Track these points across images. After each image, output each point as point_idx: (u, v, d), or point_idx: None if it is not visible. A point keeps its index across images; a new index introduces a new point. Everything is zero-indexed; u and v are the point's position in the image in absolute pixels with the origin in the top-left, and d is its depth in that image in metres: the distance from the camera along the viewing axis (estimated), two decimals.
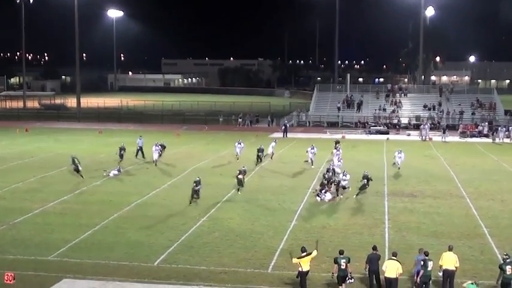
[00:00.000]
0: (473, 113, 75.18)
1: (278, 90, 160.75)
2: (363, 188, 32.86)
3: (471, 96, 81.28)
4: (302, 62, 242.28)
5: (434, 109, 77.58)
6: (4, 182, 36.13)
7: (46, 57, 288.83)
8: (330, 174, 33.93)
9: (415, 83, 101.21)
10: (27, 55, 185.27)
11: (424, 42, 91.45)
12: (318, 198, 31.70)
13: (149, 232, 25.68)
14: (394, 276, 18.47)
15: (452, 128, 68.21)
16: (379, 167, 42.65)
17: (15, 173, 39.19)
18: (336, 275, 18.85)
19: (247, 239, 24.80)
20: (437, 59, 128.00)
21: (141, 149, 45.64)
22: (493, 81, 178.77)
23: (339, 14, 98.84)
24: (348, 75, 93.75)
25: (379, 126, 71.24)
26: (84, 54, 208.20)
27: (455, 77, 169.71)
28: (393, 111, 77.66)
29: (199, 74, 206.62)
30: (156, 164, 42.21)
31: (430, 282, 18.64)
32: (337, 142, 47.40)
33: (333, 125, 75.27)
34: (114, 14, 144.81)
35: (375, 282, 19.19)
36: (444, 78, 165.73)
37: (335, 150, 43.31)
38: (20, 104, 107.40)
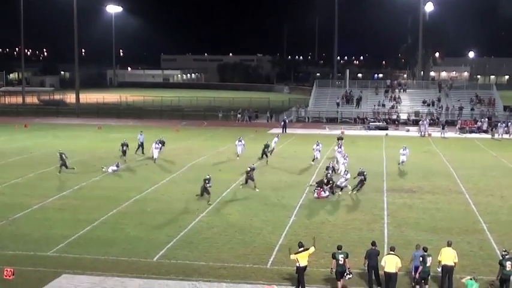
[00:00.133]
0: (472, 109, 75.22)
1: (277, 86, 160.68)
2: (358, 184, 32.72)
3: (470, 92, 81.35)
4: (301, 57, 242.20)
5: (433, 105, 77.58)
6: (3, 177, 36.11)
7: (45, 53, 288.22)
8: (331, 172, 33.77)
9: (414, 79, 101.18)
10: (26, 51, 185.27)
11: (423, 37, 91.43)
12: (315, 195, 31.58)
13: (148, 228, 25.70)
14: (394, 271, 18.51)
15: (451, 123, 68.19)
16: (378, 163, 42.67)
17: (14, 169, 39.18)
18: (335, 270, 18.88)
19: (246, 234, 24.82)
20: (437, 54, 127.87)
21: (141, 144, 45.60)
22: (492, 77, 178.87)
23: (338, 10, 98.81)
24: (347, 71, 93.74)
25: (378, 122, 71.25)
26: (83, 50, 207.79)
27: (454, 72, 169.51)
28: (392, 107, 77.66)
29: (199, 70, 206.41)
30: (155, 161, 41.99)
31: (429, 277, 18.65)
32: (339, 138, 46.92)
33: (332, 121, 75.30)
34: (113, 9, 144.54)
35: (374, 277, 19.22)
36: (443, 74, 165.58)
37: (337, 147, 42.80)
38: (19, 100, 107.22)
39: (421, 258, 18.54)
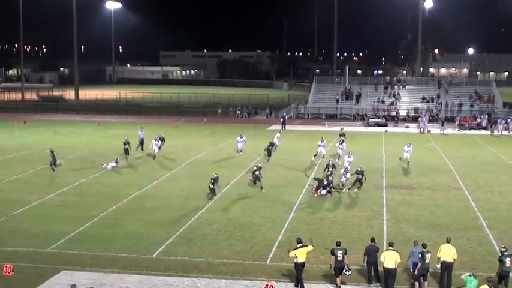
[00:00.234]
0: (471, 105, 75.19)
1: (277, 82, 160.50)
2: (355, 183, 32.56)
3: (470, 89, 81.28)
4: (301, 54, 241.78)
5: (432, 101, 77.55)
6: (2, 174, 36.13)
7: (44, 49, 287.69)
8: (331, 169, 33.67)
9: (413, 75, 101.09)
10: (25, 47, 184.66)
11: (422, 34, 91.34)
12: (315, 195, 31.32)
13: (147, 224, 25.71)
14: (393, 267, 18.53)
15: (450, 120, 68.14)
16: (378, 159, 42.68)
17: (14, 165, 39.20)
18: (333, 266, 18.89)
19: (245, 231, 24.83)
20: (436, 51, 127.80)
21: (141, 141, 45.60)
22: (491, 73, 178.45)
23: (338, 6, 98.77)
24: (347, 67, 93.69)
25: (378, 118, 71.24)
26: (82, 46, 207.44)
27: (454, 69, 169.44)
28: (392, 104, 77.62)
29: (198, 66, 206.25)
30: (154, 158, 41.97)
31: (428, 274, 18.67)
32: (341, 135, 46.73)
33: (331, 117, 75.24)
34: (112, 5, 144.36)
35: (373, 273, 19.24)
36: (443, 71, 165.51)
37: (338, 143, 42.46)
38: (18, 96, 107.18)
39: (420, 255, 18.56)
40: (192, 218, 26.68)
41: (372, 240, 19.70)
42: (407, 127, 66.00)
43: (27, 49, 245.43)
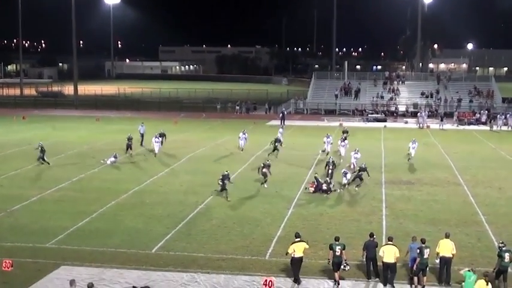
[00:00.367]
0: (470, 101, 75.14)
1: (276, 78, 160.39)
2: (355, 178, 32.36)
3: (469, 84, 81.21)
4: (300, 49, 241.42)
5: (431, 97, 77.51)
6: (2, 169, 36.12)
7: (43, 45, 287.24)
8: (331, 167, 33.35)
9: (412, 71, 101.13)
10: (24, 42, 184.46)
11: (422, 29, 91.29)
12: (311, 189, 31.15)
13: (147, 219, 25.72)
14: (393, 261, 18.57)
15: (450, 115, 68.14)
16: (377, 155, 42.68)
17: (13, 161, 39.18)
18: (331, 261, 18.91)
19: (244, 226, 24.85)
20: (435, 46, 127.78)
21: (142, 136, 45.57)
22: (491, 68, 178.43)
23: (337, 1, 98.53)
24: (346, 62, 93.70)
25: (377, 113, 71.23)
26: (81, 42, 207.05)
27: (453, 64, 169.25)
28: (391, 99, 77.62)
29: (197, 62, 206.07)
30: (155, 155, 41.40)
31: (427, 269, 18.69)
32: (344, 132, 46.36)
33: (330, 113, 75.25)
34: (111, 0, 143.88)
35: (372, 268, 19.26)
36: (442, 66, 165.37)
37: (340, 141, 41.99)
38: (17, 92, 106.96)
39: (418, 250, 18.58)
40: (191, 213, 26.70)
41: (371, 235, 19.70)
42: (406, 122, 66.05)
43: (26, 44, 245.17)
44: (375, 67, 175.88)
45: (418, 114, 65.47)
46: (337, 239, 19.29)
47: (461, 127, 62.93)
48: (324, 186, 30.83)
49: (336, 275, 18.83)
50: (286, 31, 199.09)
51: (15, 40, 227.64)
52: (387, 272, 18.72)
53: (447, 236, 19.44)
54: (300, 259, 19.00)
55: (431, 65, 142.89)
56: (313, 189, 30.90)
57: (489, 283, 16.85)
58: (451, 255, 18.96)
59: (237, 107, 77.54)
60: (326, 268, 19.63)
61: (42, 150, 37.35)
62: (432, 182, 33.84)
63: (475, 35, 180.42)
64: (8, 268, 19.19)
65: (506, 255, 18.25)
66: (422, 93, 78.38)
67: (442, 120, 62.00)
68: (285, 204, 28.40)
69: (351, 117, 71.54)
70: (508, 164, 40.35)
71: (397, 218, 26.21)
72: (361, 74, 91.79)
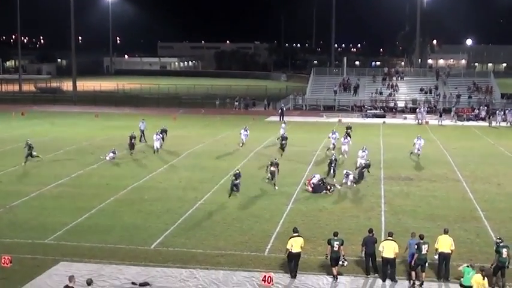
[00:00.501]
0: (469, 97, 75.13)
1: (275, 74, 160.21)
2: (359, 175, 32.26)
3: (468, 80, 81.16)
4: (299, 45, 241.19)
5: (430, 92, 77.50)
6: (1, 165, 36.11)
7: (42, 41, 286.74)
8: (333, 164, 33.27)
9: (411, 67, 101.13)
10: (22, 38, 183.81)
11: (421, 25, 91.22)
12: (309, 188, 31.04)
13: (146, 215, 25.73)
14: (392, 257, 18.61)
15: (448, 111, 68.14)
16: (376, 151, 42.62)
17: (12, 157, 39.11)
18: (329, 256, 18.92)
19: (243, 222, 24.86)
20: (434, 42, 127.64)
21: (142, 132, 45.56)
22: (489, 64, 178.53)
23: None
24: (345, 58, 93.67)
25: (376, 109, 71.22)
26: (80, 38, 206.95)
27: (452, 60, 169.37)
28: (390, 95, 77.60)
29: (196, 58, 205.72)
30: (154, 152, 40.89)
31: (426, 265, 18.71)
32: (348, 128, 46.02)
33: (329, 109, 75.24)
34: None
35: (371, 264, 19.29)
36: (441, 62, 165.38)
37: (343, 138, 41.42)
38: (16, 88, 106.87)
39: (416, 246, 18.61)
40: (190, 209, 26.70)
41: (370, 231, 19.73)
42: (405, 118, 66.03)
43: (25, 40, 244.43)
44: (373, 63, 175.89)
45: (417, 110, 65.48)
46: (335, 234, 19.31)
47: (460, 123, 62.92)
48: (324, 191, 30.37)
49: (334, 270, 18.85)
50: (285, 27, 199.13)
51: (14, 36, 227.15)
52: (387, 268, 18.76)
53: (446, 232, 19.47)
54: (298, 254, 19.02)
55: (430, 61, 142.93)
56: (311, 189, 30.53)
57: (485, 277, 16.88)
58: (450, 251, 18.99)
59: (236, 103, 77.51)
60: (325, 264, 19.64)
61: (30, 148, 36.82)
62: (431, 177, 33.85)
63: (474, 31, 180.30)
64: (7, 264, 19.21)
65: (504, 251, 18.27)
66: (421, 89, 78.38)
67: (441, 116, 62.02)
68: (284, 200, 28.41)
69: (350, 113, 71.51)
70: (507, 160, 40.38)
71: (396, 214, 26.23)
72: (360, 69, 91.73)
